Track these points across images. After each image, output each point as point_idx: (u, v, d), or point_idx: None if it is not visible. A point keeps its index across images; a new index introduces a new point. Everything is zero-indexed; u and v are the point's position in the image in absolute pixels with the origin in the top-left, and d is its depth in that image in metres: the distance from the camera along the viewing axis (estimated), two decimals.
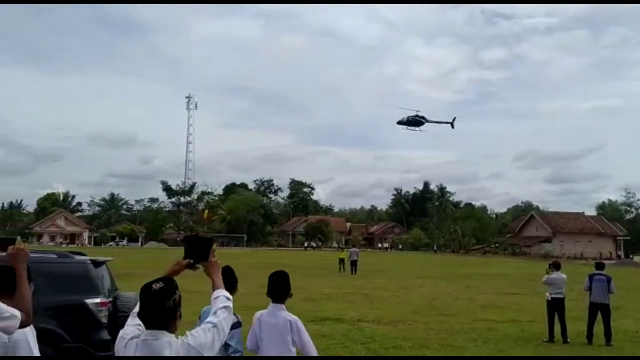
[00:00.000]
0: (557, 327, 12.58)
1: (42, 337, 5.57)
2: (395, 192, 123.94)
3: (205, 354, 2.84)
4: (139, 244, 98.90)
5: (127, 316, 9.41)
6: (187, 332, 2.91)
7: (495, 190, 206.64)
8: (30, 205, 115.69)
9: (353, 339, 12.14)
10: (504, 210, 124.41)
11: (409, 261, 54.42)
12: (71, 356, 7.40)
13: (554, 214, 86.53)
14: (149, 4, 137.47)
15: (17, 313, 3.05)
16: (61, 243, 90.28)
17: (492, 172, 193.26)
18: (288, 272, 4.95)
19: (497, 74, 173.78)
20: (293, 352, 4.75)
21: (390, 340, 12.07)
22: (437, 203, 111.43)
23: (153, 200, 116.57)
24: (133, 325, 3.01)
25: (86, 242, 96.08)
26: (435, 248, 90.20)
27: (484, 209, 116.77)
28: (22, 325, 3.09)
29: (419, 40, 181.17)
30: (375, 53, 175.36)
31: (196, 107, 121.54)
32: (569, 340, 12.40)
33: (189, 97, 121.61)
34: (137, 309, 3.03)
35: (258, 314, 4.87)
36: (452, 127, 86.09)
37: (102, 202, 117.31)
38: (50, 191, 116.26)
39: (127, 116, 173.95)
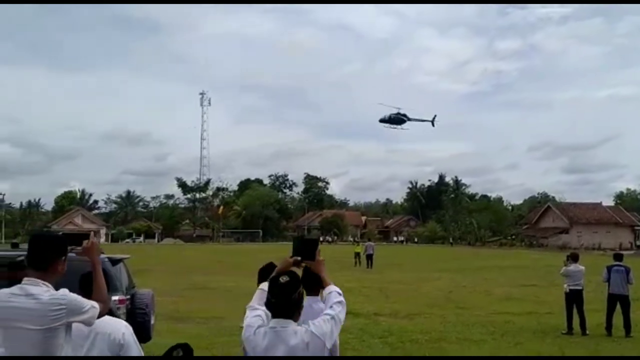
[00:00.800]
0: (576, 319, 12.51)
1: None
2: (410, 185, 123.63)
3: (327, 343, 3.20)
4: (156, 240, 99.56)
5: (145, 313, 9.42)
6: (310, 322, 3.24)
7: (510, 181, 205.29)
8: (48, 204, 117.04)
9: (370, 332, 12.15)
10: (520, 201, 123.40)
11: (425, 254, 54.28)
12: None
13: (570, 205, 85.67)
14: (156, 4, 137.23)
15: (96, 304, 3.30)
16: None
17: (507, 163, 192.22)
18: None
19: (512, 64, 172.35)
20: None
21: (407, 334, 12.06)
22: (452, 195, 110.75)
23: (169, 196, 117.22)
24: (254, 316, 3.35)
25: (103, 239, 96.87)
26: (451, 241, 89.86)
27: (499, 200, 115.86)
28: (100, 314, 3.34)
29: (431, 31, 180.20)
30: (387, 46, 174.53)
31: (209, 103, 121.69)
32: (588, 332, 12.31)
33: (202, 94, 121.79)
34: (254, 302, 3.45)
35: None
36: (433, 125, 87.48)
37: (119, 200, 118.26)
38: (67, 189, 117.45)
39: (141, 114, 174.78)
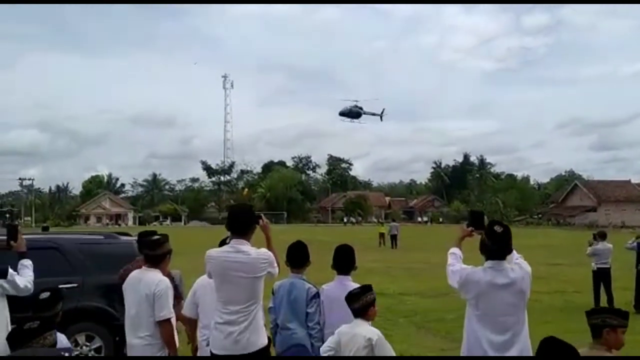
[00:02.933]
0: (604, 297, 12.40)
1: (94, 315, 5.78)
2: (434, 165, 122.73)
3: (530, 279, 4.06)
4: (182, 223, 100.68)
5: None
6: (518, 262, 4.14)
7: (537, 160, 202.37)
8: (76, 188, 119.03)
9: (396, 312, 12.21)
10: (546, 180, 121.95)
11: (450, 234, 53.78)
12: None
13: (598, 183, 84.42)
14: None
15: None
16: (107, 224, 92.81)
17: (534, 141, 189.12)
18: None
19: (539, 40, 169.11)
20: None
21: (433, 313, 12.09)
22: (477, 175, 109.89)
23: (194, 180, 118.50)
24: (460, 264, 4.47)
25: (130, 222, 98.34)
26: None
27: (526, 179, 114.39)
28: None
29: (457, 8, 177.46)
30: (413, 23, 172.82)
31: (232, 86, 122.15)
32: None
33: (224, 77, 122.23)
34: (451, 261, 4.60)
35: (324, 286, 4.92)
36: (381, 119, 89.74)
37: (145, 183, 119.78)
38: (94, 174, 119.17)
39: (166, 97, 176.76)
